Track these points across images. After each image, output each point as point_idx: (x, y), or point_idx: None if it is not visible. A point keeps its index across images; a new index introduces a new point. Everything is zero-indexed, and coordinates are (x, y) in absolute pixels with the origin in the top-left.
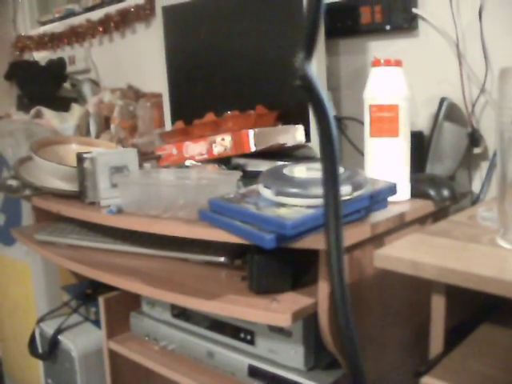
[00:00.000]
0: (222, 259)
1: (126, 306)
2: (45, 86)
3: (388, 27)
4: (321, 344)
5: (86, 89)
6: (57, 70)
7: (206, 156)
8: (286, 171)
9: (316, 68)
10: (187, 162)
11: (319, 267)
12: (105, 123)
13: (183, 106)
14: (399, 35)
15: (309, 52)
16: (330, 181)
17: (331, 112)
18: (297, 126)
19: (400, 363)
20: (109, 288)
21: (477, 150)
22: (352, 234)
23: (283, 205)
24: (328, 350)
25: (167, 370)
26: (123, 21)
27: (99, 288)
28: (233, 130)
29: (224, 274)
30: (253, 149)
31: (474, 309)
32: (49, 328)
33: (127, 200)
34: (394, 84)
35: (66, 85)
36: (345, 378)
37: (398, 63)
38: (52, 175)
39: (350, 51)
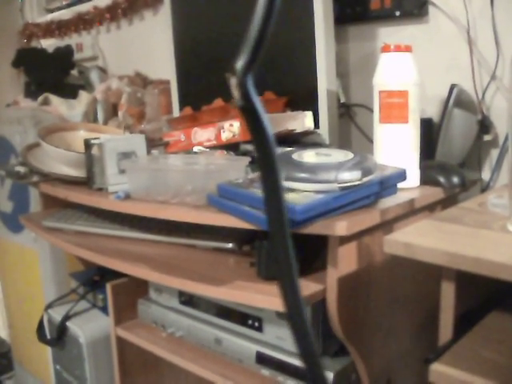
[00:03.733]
0: (230, 245)
1: (133, 292)
2: (52, 74)
3: (398, 13)
4: (329, 331)
5: (94, 76)
6: (64, 57)
7: (214, 142)
8: (295, 156)
9: (325, 55)
10: (195, 148)
11: (328, 253)
12: (112, 110)
13: (191, 93)
14: (409, 21)
15: (252, 61)
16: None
17: (273, 144)
18: (305, 112)
19: (409, 350)
20: (116, 275)
21: (487, 137)
22: (361, 220)
23: (292, 190)
24: (336, 336)
25: (175, 357)
26: (131, 8)
27: (107, 275)
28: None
29: (232, 260)
30: None
31: (484, 296)
32: (57, 314)
33: (135, 186)
34: (404, 70)
35: (74, 72)
36: (353, 365)
37: (408, 49)
38: (60, 161)
39: (360, 38)
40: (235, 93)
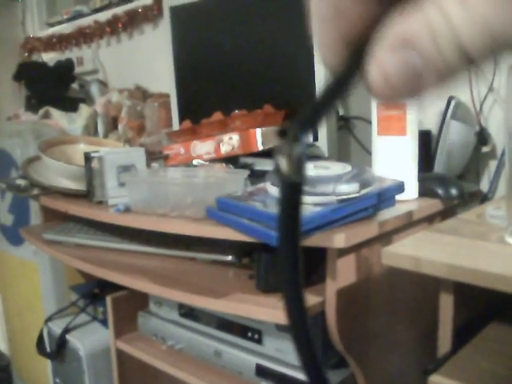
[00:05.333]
0: (229, 258)
1: (133, 305)
2: (53, 87)
3: None
4: (328, 343)
5: (94, 89)
6: (65, 70)
7: (213, 155)
8: None
9: (324, 68)
10: (195, 162)
11: (327, 265)
12: (112, 123)
13: (191, 106)
14: None
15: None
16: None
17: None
18: None
19: (408, 361)
20: (116, 287)
21: (485, 149)
22: (360, 232)
23: None
24: (335, 349)
25: (174, 370)
26: (131, 21)
27: (107, 287)
28: (240, 129)
29: (231, 272)
30: (260, 148)
31: (483, 307)
32: (57, 327)
33: (135, 199)
34: None
35: (74, 85)
36: (353, 378)
37: None
38: (60, 175)
39: None
40: (283, 161)
